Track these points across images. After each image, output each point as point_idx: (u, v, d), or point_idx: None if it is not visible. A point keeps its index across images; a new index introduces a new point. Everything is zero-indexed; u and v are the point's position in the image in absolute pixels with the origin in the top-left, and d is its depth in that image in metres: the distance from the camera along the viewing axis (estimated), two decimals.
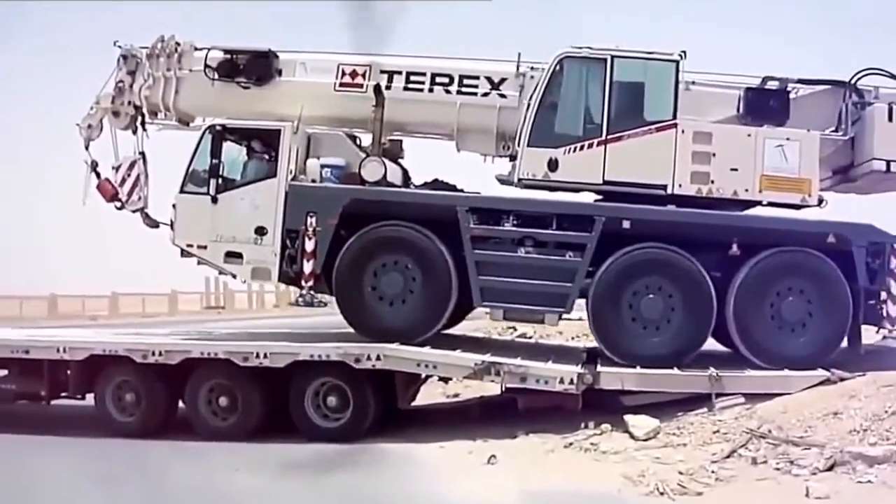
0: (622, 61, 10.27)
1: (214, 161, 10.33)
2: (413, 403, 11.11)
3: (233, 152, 10.65)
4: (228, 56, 10.91)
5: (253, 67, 10.84)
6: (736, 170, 10.17)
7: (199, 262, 10.57)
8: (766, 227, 10.27)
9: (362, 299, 10.18)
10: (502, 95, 10.79)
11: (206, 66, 10.88)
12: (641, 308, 10.02)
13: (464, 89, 10.90)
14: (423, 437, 9.77)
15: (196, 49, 11.08)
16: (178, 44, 11.07)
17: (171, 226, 10.51)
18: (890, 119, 10.42)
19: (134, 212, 10.90)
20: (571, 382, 9.47)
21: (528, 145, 10.24)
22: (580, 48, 10.37)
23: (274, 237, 10.21)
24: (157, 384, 10.25)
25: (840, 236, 10.11)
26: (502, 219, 10.25)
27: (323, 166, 10.46)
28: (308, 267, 10.13)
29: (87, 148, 11.03)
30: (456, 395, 12.65)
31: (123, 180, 10.83)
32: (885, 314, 10.24)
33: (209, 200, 10.31)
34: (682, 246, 10.08)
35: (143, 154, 11.07)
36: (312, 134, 10.87)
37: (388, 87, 10.92)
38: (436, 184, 11.13)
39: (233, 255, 10.38)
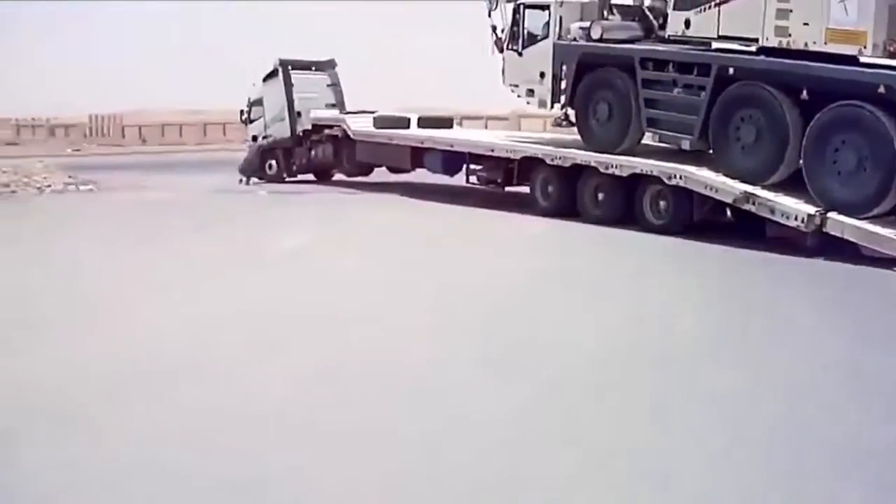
0: None
1: (515, 28, 18.20)
2: None
3: (539, 18, 18.26)
4: None
5: None
6: (808, 24, 13.80)
7: (518, 97, 18.75)
8: (829, 77, 13.51)
9: (587, 122, 16.94)
10: None
11: None
12: (741, 132, 14.60)
13: None
14: None
15: None
16: None
17: (502, 72, 18.90)
18: None
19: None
20: (802, 221, 13.51)
21: (673, 9, 15.60)
22: None
23: (548, 78, 17.64)
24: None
25: (890, 87, 12.86)
26: (665, 67, 15.90)
27: (580, 28, 17.41)
28: (562, 99, 17.44)
29: (489, 16, 19.58)
30: None
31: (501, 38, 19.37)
32: None
33: (517, 55, 18.48)
34: (774, 87, 14.25)
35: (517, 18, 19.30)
36: (584, 3, 17.77)
37: None
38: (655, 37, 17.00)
39: (530, 92, 18.22)
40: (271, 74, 24.76)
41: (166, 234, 15.44)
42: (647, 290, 11.37)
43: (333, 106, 24.57)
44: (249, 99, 25.60)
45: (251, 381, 7.36)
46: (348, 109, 24.41)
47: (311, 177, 24.87)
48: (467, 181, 19.72)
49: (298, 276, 11.80)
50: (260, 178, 24.30)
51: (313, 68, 25.10)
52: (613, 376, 7.63)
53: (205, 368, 7.74)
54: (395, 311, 9.83)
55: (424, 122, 21.89)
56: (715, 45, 15.36)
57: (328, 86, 24.95)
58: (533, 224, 16.93)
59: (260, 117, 25.15)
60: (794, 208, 13.74)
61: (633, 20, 17.27)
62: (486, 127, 37.10)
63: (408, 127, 21.64)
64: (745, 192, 14.30)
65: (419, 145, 20.51)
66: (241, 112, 26.17)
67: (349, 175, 23.81)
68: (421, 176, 21.50)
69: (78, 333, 9.05)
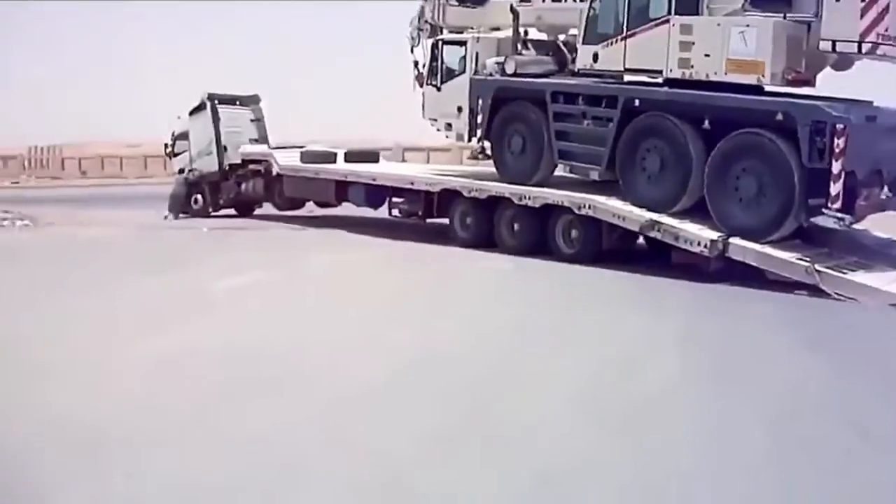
0: None
1: (434, 64, 18.67)
2: None
3: (456, 54, 18.72)
4: None
5: None
6: (709, 55, 14.32)
7: (437, 130, 19.17)
8: (730, 105, 14.03)
9: (502, 155, 17.33)
10: None
11: None
12: (647, 162, 15.06)
13: None
14: None
15: None
16: None
17: (422, 107, 19.30)
18: None
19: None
20: (705, 247, 14.12)
21: (582, 43, 16.07)
22: None
23: (465, 113, 18.02)
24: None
25: (787, 115, 13.39)
26: (575, 100, 16.30)
27: (496, 63, 17.84)
28: (479, 132, 17.83)
29: (412, 51, 20.07)
30: None
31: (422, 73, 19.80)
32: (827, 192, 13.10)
33: (436, 90, 18.90)
34: (677, 117, 14.72)
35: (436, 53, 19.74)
36: (501, 39, 18.23)
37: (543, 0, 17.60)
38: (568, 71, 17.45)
39: (448, 126, 18.62)
40: (198, 108, 24.89)
41: (108, 274, 14.76)
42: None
43: (256, 141, 24.79)
44: (174, 132, 25.72)
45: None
46: (282, 143, 24.63)
47: (240, 211, 24.99)
48: (390, 214, 20.02)
49: (249, 321, 11.20)
50: (185, 213, 24.45)
51: (238, 103, 25.33)
52: None
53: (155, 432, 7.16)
54: (359, 364, 9.14)
55: (351, 157, 22.20)
56: (626, 77, 15.88)
57: (251, 121, 25.17)
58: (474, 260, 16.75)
59: (184, 151, 25.32)
60: (697, 234, 14.17)
61: (548, 54, 17.74)
62: (428, 158, 37.43)
63: (334, 162, 21.91)
64: (651, 219, 14.73)
65: (343, 179, 20.81)
66: (166, 146, 26.38)
67: (280, 209, 24.00)
68: (351, 210, 21.75)
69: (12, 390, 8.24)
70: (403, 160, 27.69)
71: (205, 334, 10.32)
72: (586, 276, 14.94)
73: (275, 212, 24.13)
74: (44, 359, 9.26)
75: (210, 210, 24.66)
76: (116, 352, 9.58)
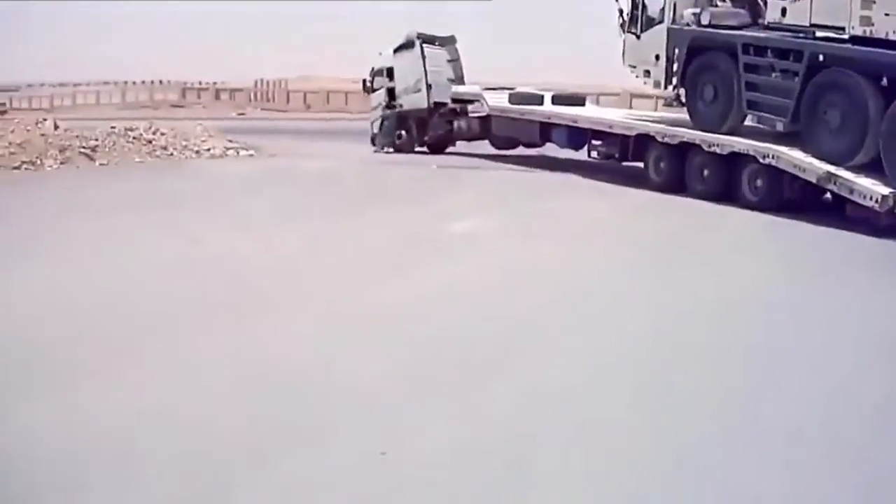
0: None
1: (635, 12, 20.15)
2: None
3: (657, 4, 19.97)
4: None
5: None
6: (888, 14, 15.20)
7: (636, 77, 20.59)
8: None
9: (695, 103, 18.79)
10: None
11: None
12: (828, 115, 16.13)
13: None
14: None
15: None
16: None
17: (622, 54, 20.74)
18: None
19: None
20: (877, 201, 14.95)
21: None
22: None
23: (662, 61, 19.52)
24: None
25: None
26: (765, 52, 17.45)
27: (692, 13, 19.07)
28: (674, 80, 19.30)
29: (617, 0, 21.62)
30: None
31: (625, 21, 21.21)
32: None
33: (636, 37, 20.31)
34: (858, 73, 15.72)
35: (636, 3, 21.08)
36: None
37: None
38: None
39: (647, 72, 20.11)
40: (404, 46, 26.68)
41: (328, 208, 16.11)
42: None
43: (453, 81, 26.47)
44: (373, 68, 27.67)
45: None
46: (491, 85, 26.50)
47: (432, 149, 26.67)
48: (589, 155, 21.77)
49: (482, 269, 11.94)
50: (387, 147, 26.74)
51: (437, 43, 26.87)
52: None
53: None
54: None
55: (558, 100, 23.97)
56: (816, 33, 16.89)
57: (448, 61, 26.73)
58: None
59: (382, 87, 27.24)
60: (870, 189, 15.06)
61: (742, 7, 18.91)
62: (655, 107, 38.44)
63: (541, 104, 23.72)
64: (828, 172, 15.78)
65: (547, 121, 22.63)
66: (364, 81, 28.46)
67: (498, 148, 25.98)
68: (561, 151, 23.49)
69: (236, 324, 8.96)
70: (631, 107, 28.89)
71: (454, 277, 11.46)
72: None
73: (467, 150, 25.94)
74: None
75: (415, 145, 26.70)
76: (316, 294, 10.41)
